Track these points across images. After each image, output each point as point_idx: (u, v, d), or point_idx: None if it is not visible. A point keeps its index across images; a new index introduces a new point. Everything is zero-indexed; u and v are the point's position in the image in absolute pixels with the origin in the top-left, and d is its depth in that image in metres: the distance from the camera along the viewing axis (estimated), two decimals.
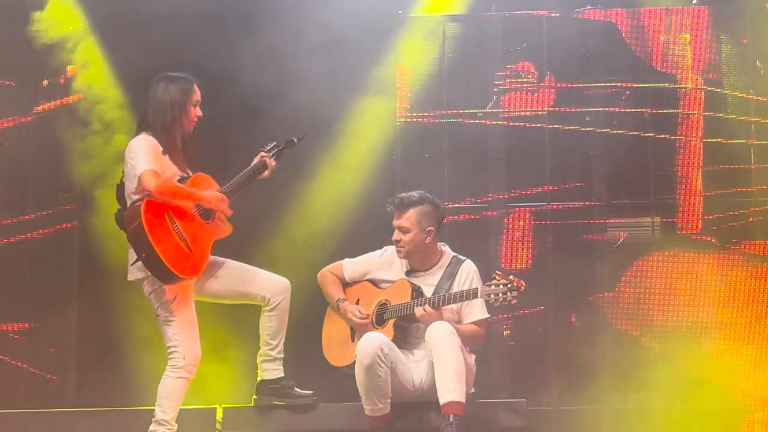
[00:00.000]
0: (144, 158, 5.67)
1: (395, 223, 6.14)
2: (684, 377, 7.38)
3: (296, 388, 6.16)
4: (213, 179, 5.93)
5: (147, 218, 5.61)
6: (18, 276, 7.74)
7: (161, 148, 5.77)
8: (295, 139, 6.20)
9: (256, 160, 6.06)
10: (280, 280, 6.06)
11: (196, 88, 5.90)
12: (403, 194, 6.19)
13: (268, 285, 6.02)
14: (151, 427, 5.71)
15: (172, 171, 5.78)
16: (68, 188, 7.86)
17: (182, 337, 5.70)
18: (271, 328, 6.03)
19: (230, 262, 6.02)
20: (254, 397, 6.18)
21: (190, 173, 5.88)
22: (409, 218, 6.12)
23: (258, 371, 6.14)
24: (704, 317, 7.58)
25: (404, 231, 6.12)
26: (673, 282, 7.66)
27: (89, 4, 7.89)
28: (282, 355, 6.11)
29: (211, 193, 5.81)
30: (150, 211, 5.63)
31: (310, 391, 6.18)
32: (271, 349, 6.06)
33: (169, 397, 5.69)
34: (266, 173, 6.05)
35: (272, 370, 6.09)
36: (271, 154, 6.09)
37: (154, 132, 5.78)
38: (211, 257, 5.90)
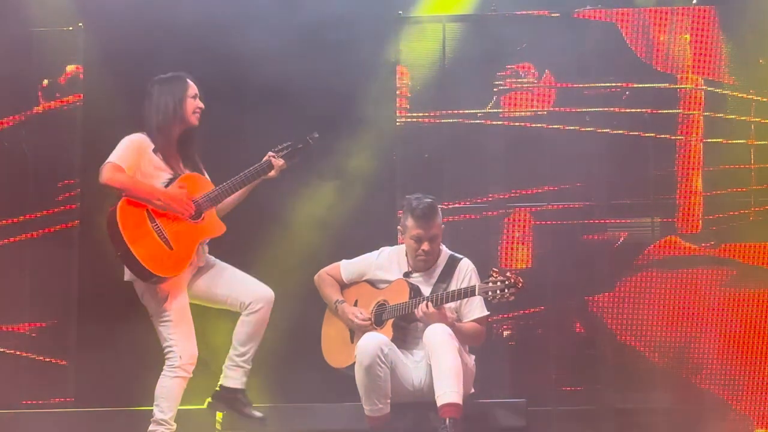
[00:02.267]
0: (116, 152, 5.73)
1: (423, 233, 6.05)
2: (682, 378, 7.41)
3: (251, 407, 5.97)
4: (207, 179, 5.90)
5: (122, 217, 5.65)
6: (18, 276, 7.74)
7: (152, 147, 5.78)
8: (309, 139, 6.13)
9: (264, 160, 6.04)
10: (264, 289, 5.95)
11: (189, 81, 5.92)
12: (421, 203, 6.09)
13: (252, 290, 5.91)
14: (150, 428, 5.72)
15: (159, 170, 5.78)
16: (69, 188, 7.86)
17: (177, 336, 5.70)
18: (244, 334, 5.87)
19: (221, 265, 5.96)
20: (208, 399, 6.04)
21: (186, 172, 5.87)
22: (438, 225, 6.11)
23: (221, 375, 6.02)
24: (703, 324, 7.59)
25: (434, 239, 6.09)
26: (672, 286, 7.67)
27: (90, 3, 7.89)
28: (249, 366, 5.95)
29: (163, 191, 5.73)
30: (126, 210, 5.68)
31: (261, 414, 5.99)
32: (238, 355, 5.91)
33: (166, 396, 5.68)
34: (272, 173, 6.00)
35: (233, 378, 5.94)
36: (281, 153, 6.03)
37: (149, 132, 5.79)
38: (208, 257, 5.89)
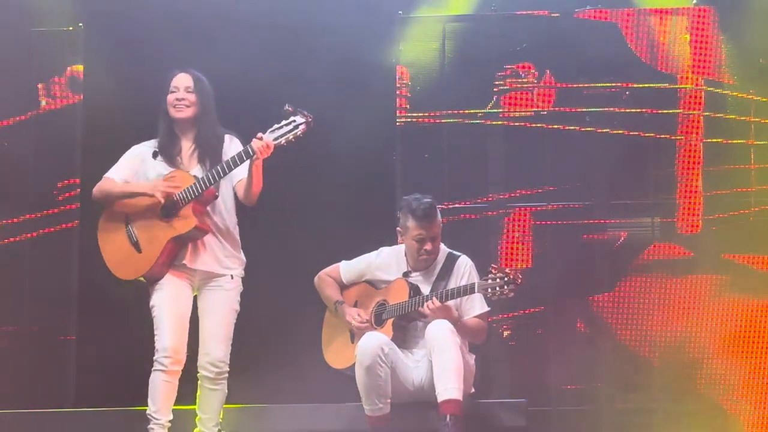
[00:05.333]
0: (114, 166, 5.87)
1: (425, 233, 6.04)
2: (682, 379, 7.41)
3: None
4: (189, 176, 5.74)
5: (101, 227, 5.87)
6: (18, 276, 7.74)
7: (151, 152, 5.81)
8: (294, 114, 5.65)
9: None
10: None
11: (174, 75, 5.83)
12: (422, 203, 6.07)
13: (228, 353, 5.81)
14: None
15: (159, 174, 5.78)
16: (69, 188, 7.86)
17: (157, 330, 5.71)
18: (219, 403, 5.81)
19: (225, 308, 5.81)
20: None
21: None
22: (439, 225, 6.11)
23: None
24: (703, 324, 7.59)
25: (435, 238, 6.09)
26: (673, 286, 7.67)
27: (90, 3, 7.89)
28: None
29: (140, 183, 5.77)
30: (106, 218, 5.86)
31: None
32: (215, 425, 5.87)
33: (150, 389, 5.70)
34: (260, 155, 5.56)
35: None
36: (273, 136, 5.59)
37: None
38: (223, 271, 5.84)
